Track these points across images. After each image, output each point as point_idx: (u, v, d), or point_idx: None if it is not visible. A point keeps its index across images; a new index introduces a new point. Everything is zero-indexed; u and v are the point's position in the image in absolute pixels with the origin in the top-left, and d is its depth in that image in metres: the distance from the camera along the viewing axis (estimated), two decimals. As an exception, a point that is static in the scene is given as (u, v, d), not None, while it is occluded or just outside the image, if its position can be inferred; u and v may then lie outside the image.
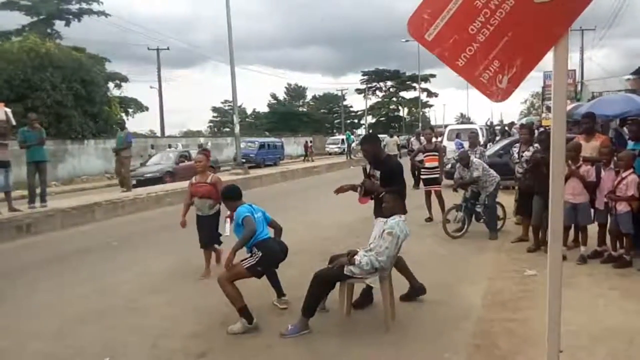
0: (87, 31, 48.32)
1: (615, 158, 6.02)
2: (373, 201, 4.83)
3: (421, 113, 59.12)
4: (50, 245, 8.42)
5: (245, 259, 4.35)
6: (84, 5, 34.45)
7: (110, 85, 33.50)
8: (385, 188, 4.63)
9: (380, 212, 4.69)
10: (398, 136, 27.71)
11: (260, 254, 4.30)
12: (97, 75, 25.73)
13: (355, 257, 4.15)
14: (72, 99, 23.06)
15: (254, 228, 4.37)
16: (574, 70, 30.72)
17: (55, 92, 22.10)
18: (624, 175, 5.60)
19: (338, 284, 4.27)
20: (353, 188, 4.96)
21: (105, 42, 64.65)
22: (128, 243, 8.29)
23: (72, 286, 5.85)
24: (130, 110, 37.81)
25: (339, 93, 68.03)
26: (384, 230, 4.22)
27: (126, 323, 4.63)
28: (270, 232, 4.65)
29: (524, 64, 2.00)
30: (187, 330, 4.39)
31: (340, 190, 5.06)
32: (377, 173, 4.74)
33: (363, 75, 70.93)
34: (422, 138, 12.41)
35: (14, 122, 10.14)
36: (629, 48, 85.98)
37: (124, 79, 36.88)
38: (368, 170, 4.85)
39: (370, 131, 61.50)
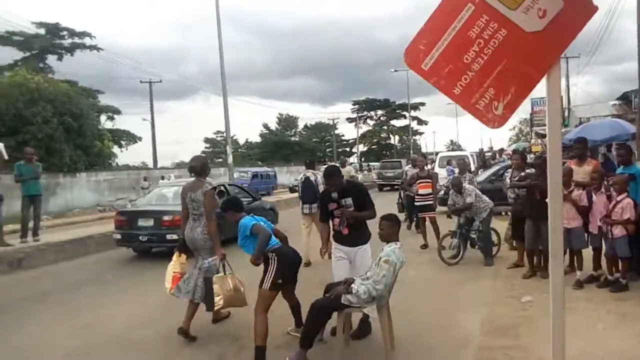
0: (80, 65, 48.78)
1: (605, 182, 6.10)
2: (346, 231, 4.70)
3: (412, 140, 59.70)
4: (42, 280, 8.27)
5: (262, 279, 4.20)
6: (77, 40, 34.84)
7: (103, 117, 33.63)
8: (364, 213, 4.64)
9: (358, 240, 4.68)
10: (354, 164, 27.32)
11: (276, 265, 4.15)
12: (87, 108, 25.72)
13: (352, 285, 4.11)
14: (63, 132, 23.03)
15: (268, 233, 4.19)
16: (561, 97, 31.36)
17: (47, 126, 22.10)
18: (618, 199, 5.65)
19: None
20: (328, 237, 4.88)
21: (97, 75, 65.45)
22: (122, 277, 8.17)
23: (62, 321, 5.72)
24: (123, 142, 37.83)
25: (331, 122, 68.72)
26: (380, 258, 4.20)
27: (118, 359, 4.52)
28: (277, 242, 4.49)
29: (518, 91, 2.06)
30: (183, 365, 4.29)
31: (325, 251, 4.93)
32: (348, 200, 4.66)
33: (354, 104, 71.82)
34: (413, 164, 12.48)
35: (6, 157, 10.11)
36: (610, 74, 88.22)
37: (117, 112, 37.06)
38: (344, 203, 4.70)
39: (362, 160, 61.91)
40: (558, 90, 2.08)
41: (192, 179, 5.28)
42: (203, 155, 7.67)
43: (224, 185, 13.79)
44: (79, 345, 4.91)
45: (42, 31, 33.57)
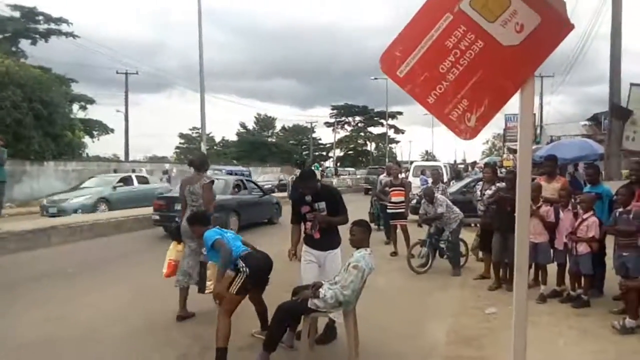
0: (54, 52, 47.49)
1: (572, 200, 6.23)
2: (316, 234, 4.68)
3: (388, 148, 60.25)
4: (1, 270, 7.97)
5: (231, 282, 4.15)
6: (53, 26, 33.90)
7: (75, 106, 32.78)
8: (336, 218, 4.65)
9: (329, 244, 4.67)
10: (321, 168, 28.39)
11: (247, 271, 4.10)
12: (58, 96, 24.97)
13: (320, 290, 4.09)
14: (33, 119, 22.34)
15: (228, 249, 4.20)
16: (534, 114, 32.12)
17: (16, 111, 21.39)
18: (584, 217, 5.78)
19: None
20: (298, 240, 4.85)
21: (72, 63, 63.69)
22: (85, 270, 7.94)
23: (21, 314, 5.52)
24: (95, 133, 36.97)
25: (308, 125, 68.80)
26: (349, 264, 4.18)
27: (81, 354, 4.38)
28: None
29: (491, 103, 2.06)
30: (141, 363, 4.18)
31: (294, 254, 4.86)
32: (322, 204, 4.65)
33: (332, 109, 72.17)
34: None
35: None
36: (583, 95, 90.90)
37: (90, 101, 36.14)
38: (317, 207, 4.68)
39: (338, 164, 62.06)
40: (531, 105, 2.10)
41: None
42: (203, 152, 8.06)
43: (241, 180, 13.79)
44: (42, 339, 4.75)
45: (17, 14, 32.56)
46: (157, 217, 11.57)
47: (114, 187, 16.63)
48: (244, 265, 4.12)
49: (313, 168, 37.35)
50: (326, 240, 4.69)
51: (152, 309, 5.71)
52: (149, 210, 12.74)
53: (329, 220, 4.64)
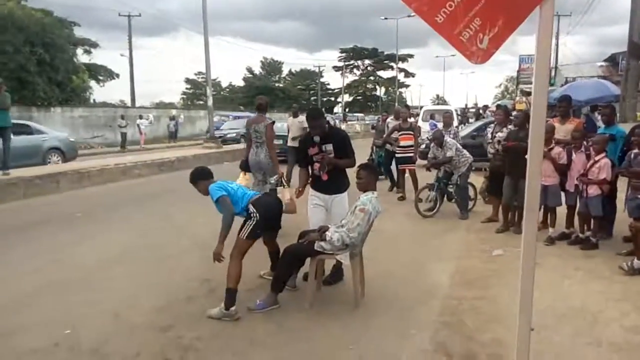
0: (55, -7, 46.16)
1: (585, 142, 6.08)
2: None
3: (398, 93, 59.16)
4: (11, 215, 8.09)
5: (242, 227, 4.12)
6: (52, -34, 32.79)
7: (79, 51, 32.18)
8: (344, 160, 4.58)
9: (336, 187, 4.61)
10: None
11: (257, 216, 4.05)
12: (60, 39, 24.41)
13: (327, 232, 4.09)
14: (36, 64, 21.99)
15: (230, 208, 4.11)
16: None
17: (18, 56, 21.03)
18: (596, 158, 5.64)
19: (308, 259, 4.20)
20: (306, 181, 4.78)
21: (73, 5, 62.10)
22: (92, 215, 8.03)
23: (29, 258, 5.62)
24: (100, 78, 36.49)
25: (316, 69, 67.38)
26: (356, 207, 4.15)
27: (87, 296, 4.46)
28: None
29: (506, 23, 1.88)
30: (150, 304, 4.26)
31: (300, 193, 4.83)
32: (329, 146, 4.56)
33: (341, 52, 70.35)
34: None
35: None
36: (601, 36, 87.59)
37: (94, 45, 35.40)
38: (325, 148, 4.59)
39: (347, 110, 61.31)
40: (550, 26, 1.88)
41: None
42: (265, 96, 8.28)
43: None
44: (49, 281, 4.84)
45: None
46: None
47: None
48: (254, 210, 4.09)
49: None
50: (333, 183, 4.63)
51: (156, 254, 5.79)
52: (159, 155, 12.45)
53: (336, 162, 4.57)
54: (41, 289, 4.64)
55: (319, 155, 4.57)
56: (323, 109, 10.25)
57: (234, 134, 22.98)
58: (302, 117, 9.92)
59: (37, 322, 3.89)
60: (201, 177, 4.33)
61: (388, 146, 10.13)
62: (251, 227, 4.06)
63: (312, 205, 4.68)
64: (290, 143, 10.73)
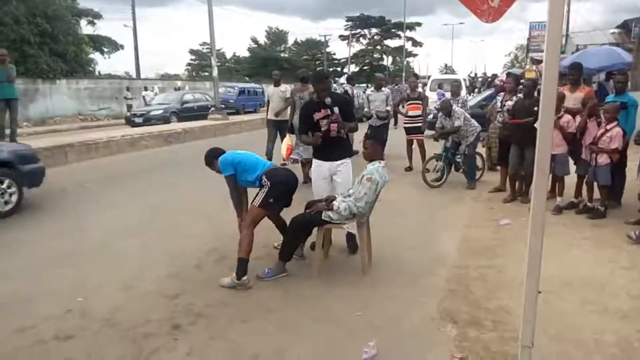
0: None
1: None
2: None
3: (405, 62, 58.22)
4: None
5: (256, 195, 4.17)
6: None
7: (83, 22, 31.76)
8: (351, 123, 4.58)
9: (341, 153, 4.56)
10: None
11: (268, 189, 4.11)
12: (61, 10, 24.00)
13: (334, 202, 4.10)
14: (38, 36, 21.72)
15: (233, 187, 4.34)
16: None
17: (20, 27, 20.75)
18: (608, 127, 5.56)
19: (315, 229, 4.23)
20: (316, 141, 4.57)
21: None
22: (102, 186, 8.09)
23: (41, 227, 5.70)
24: (105, 50, 36.10)
25: (322, 39, 66.24)
26: (363, 176, 4.14)
27: (98, 265, 4.54)
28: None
29: None
30: (161, 272, 4.32)
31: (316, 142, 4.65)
32: (336, 109, 4.46)
33: (347, 21, 68.90)
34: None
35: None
36: (613, 2, 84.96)
37: (97, 16, 34.87)
38: (334, 111, 4.47)
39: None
40: None
41: None
42: (305, 69, 8.38)
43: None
44: (61, 250, 4.92)
45: None
46: None
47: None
48: (266, 180, 4.12)
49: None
50: (338, 149, 4.58)
51: (166, 224, 5.84)
52: (162, 127, 12.61)
53: (344, 124, 4.53)
54: (56, 257, 4.72)
55: (334, 115, 4.48)
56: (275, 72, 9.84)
57: (161, 111, 18.79)
58: (285, 87, 9.37)
59: (49, 290, 3.97)
60: (215, 157, 4.39)
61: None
62: (264, 194, 4.10)
63: (317, 176, 4.67)
64: (270, 116, 9.24)
